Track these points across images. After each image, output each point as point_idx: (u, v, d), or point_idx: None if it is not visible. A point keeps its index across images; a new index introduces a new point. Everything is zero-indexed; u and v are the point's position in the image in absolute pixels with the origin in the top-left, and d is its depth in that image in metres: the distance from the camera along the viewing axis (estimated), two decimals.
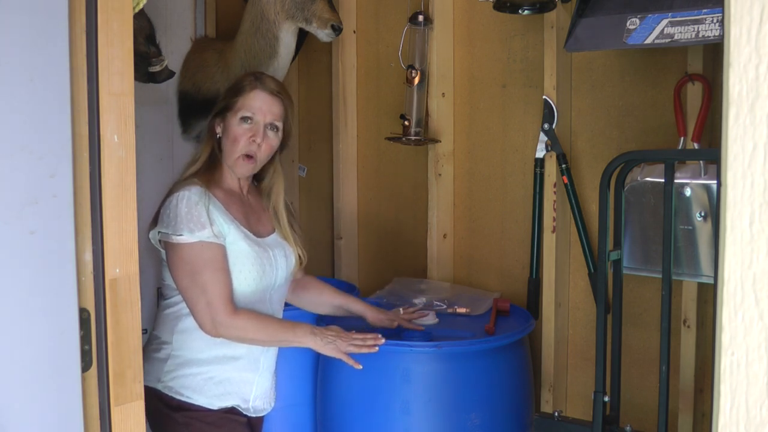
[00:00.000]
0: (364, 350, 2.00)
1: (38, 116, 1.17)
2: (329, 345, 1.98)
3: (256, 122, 1.97)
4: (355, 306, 2.25)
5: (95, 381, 1.25)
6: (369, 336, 2.03)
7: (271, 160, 2.06)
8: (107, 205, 1.24)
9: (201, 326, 1.89)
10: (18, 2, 1.14)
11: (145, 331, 1.81)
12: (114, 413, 1.26)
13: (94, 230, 1.23)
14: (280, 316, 2.10)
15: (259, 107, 1.97)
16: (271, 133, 1.99)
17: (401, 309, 2.34)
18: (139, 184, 1.30)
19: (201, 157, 2.02)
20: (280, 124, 2.01)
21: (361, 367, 2.03)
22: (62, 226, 1.20)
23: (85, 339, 1.23)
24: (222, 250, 1.91)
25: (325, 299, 2.27)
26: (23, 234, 1.16)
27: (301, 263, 2.11)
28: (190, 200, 1.89)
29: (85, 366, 1.23)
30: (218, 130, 2.01)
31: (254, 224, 2.03)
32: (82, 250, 1.23)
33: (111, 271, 1.25)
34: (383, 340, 2.03)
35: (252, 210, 2.06)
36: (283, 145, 2.06)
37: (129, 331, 1.28)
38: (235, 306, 1.91)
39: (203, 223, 1.88)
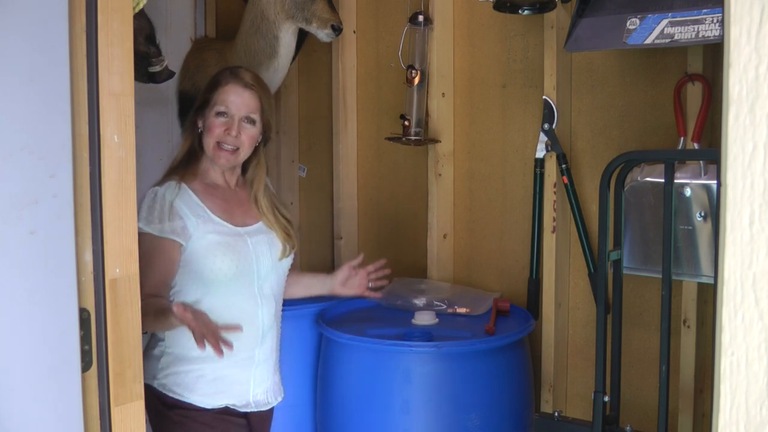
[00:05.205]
0: (212, 348, 1.71)
1: (38, 116, 1.17)
2: (197, 321, 1.71)
3: (230, 116, 2.00)
4: (323, 287, 2.25)
5: (95, 381, 1.25)
6: (220, 342, 1.73)
7: (255, 153, 2.08)
8: (107, 205, 1.24)
9: None
10: (18, 2, 1.14)
11: (145, 331, 1.80)
12: (114, 413, 1.26)
13: (94, 230, 1.23)
14: (274, 307, 2.06)
15: (233, 101, 2.00)
16: (248, 126, 2.01)
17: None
18: (139, 184, 1.30)
19: (180, 152, 2.06)
20: (256, 116, 2.02)
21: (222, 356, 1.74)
22: (62, 226, 1.20)
23: (85, 339, 1.23)
24: (166, 247, 1.90)
25: (299, 279, 2.26)
26: (23, 234, 1.16)
27: (288, 250, 2.09)
28: (156, 194, 1.93)
29: (85, 366, 1.23)
30: (200, 124, 2.04)
31: (239, 216, 2.03)
32: (82, 250, 1.23)
33: (111, 271, 1.25)
34: (232, 349, 1.75)
35: (239, 203, 2.07)
36: (265, 138, 2.08)
37: (129, 331, 1.28)
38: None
39: (160, 217, 1.90)
